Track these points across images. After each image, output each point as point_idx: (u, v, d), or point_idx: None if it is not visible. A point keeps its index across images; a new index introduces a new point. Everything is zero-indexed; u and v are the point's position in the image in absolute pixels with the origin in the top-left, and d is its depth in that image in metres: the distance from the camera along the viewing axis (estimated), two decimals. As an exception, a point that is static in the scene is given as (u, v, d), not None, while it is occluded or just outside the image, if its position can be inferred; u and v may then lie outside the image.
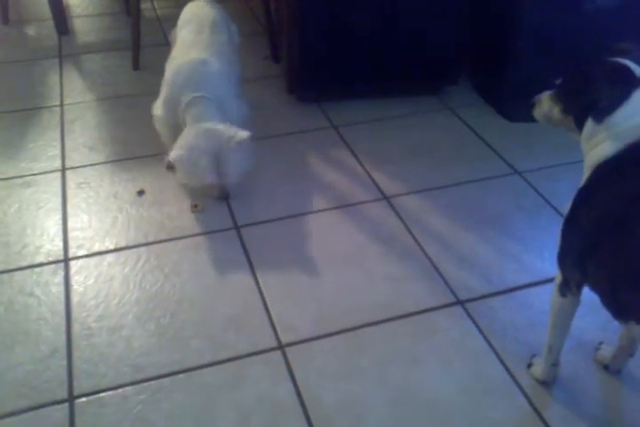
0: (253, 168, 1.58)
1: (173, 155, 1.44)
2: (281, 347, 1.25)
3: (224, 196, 1.59)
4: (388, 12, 1.88)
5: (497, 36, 1.98)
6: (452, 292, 1.37)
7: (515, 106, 1.96)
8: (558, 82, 1.02)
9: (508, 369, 1.21)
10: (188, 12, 1.79)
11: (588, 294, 1.01)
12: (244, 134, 1.45)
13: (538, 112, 1.06)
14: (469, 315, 1.32)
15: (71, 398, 1.15)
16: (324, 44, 1.92)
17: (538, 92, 1.09)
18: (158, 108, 1.64)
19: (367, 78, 2.02)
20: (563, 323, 1.11)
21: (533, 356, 1.21)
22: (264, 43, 2.30)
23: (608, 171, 0.91)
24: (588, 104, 0.93)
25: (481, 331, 1.29)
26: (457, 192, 1.67)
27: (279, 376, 1.19)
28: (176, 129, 1.57)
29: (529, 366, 1.21)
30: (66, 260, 1.45)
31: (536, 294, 1.37)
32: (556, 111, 1.01)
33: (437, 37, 1.95)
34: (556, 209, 1.61)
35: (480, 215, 1.59)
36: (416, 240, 1.51)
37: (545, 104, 1.04)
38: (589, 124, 0.93)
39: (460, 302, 1.35)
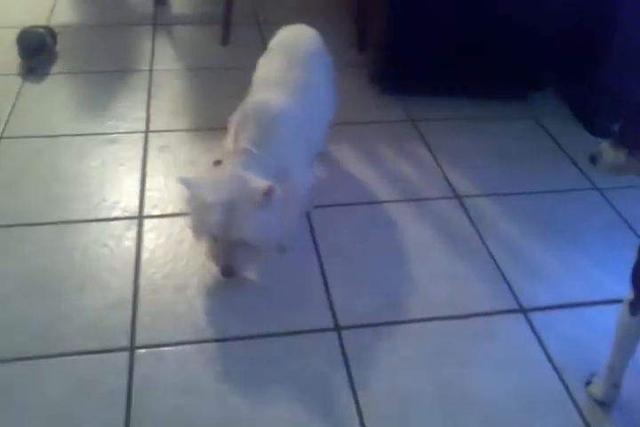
0: (278, 240, 1.31)
1: (188, 177, 1.21)
2: (338, 328, 1.26)
3: (227, 268, 1.24)
4: (482, 10, 1.85)
5: (589, 47, 1.92)
6: (516, 298, 1.35)
7: (601, 121, 1.90)
8: (617, 127, 0.98)
9: (564, 382, 1.18)
10: (281, 38, 1.55)
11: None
12: (266, 187, 1.16)
13: (602, 165, 1.00)
14: (531, 324, 1.29)
15: (132, 348, 1.20)
16: (412, 37, 1.91)
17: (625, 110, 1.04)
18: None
19: (452, 76, 2.00)
20: (628, 343, 1.07)
21: (593, 374, 1.17)
22: (350, 30, 2.30)
23: None
24: None
25: (541, 341, 1.26)
26: (531, 201, 1.64)
27: (332, 357, 1.20)
28: None
29: (587, 383, 1.17)
30: (140, 217, 1.50)
31: (603, 312, 1.32)
32: (623, 157, 0.96)
33: (529, 42, 1.91)
34: (633, 230, 1.55)
35: (553, 227, 1.55)
36: (484, 242, 1.49)
37: (607, 154, 0.99)
38: None
39: (522, 310, 1.32)
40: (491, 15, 1.86)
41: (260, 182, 1.18)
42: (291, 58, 1.43)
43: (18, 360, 1.16)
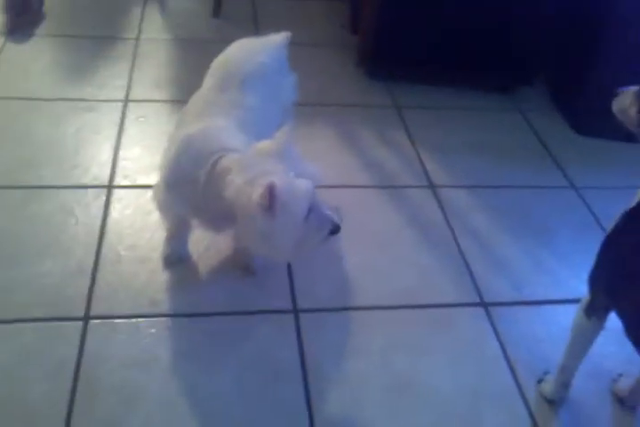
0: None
1: (274, 180, 0.94)
2: (295, 311, 1.25)
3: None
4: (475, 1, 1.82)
5: (580, 44, 1.89)
6: (478, 292, 1.35)
7: (588, 120, 1.88)
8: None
9: (516, 379, 1.19)
10: (226, 55, 1.37)
11: (618, 322, 0.97)
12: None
13: (615, 104, 0.99)
14: (490, 318, 1.29)
15: (87, 318, 1.19)
16: (404, 23, 1.88)
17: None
18: (161, 193, 1.19)
19: (441, 65, 1.97)
20: (581, 345, 1.07)
21: (546, 373, 1.18)
22: (343, 10, 2.25)
23: None
24: None
25: (498, 336, 1.26)
26: (507, 195, 1.63)
27: (287, 338, 1.20)
28: (184, 222, 1.26)
29: (539, 381, 1.18)
30: (110, 186, 1.48)
31: (564, 311, 1.31)
32: (633, 110, 0.95)
33: (522, 36, 1.89)
34: (605, 231, 1.54)
35: (525, 223, 1.55)
36: (453, 234, 1.48)
37: (626, 98, 0.98)
38: None
39: (483, 304, 1.32)
40: (485, 5, 1.83)
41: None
42: (225, 75, 1.29)
43: (-31, 323, 1.15)
